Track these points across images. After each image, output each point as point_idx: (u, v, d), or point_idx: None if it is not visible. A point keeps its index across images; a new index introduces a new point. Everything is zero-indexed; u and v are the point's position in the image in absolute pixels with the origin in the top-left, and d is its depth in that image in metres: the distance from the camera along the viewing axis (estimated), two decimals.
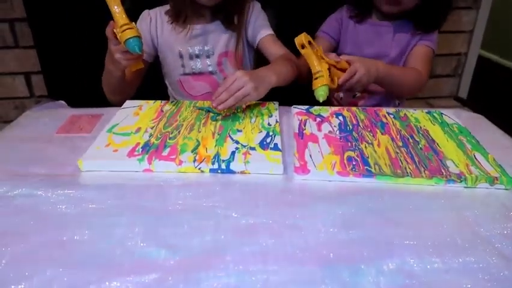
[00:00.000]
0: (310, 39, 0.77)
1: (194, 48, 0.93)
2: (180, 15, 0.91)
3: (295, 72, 0.84)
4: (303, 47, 0.76)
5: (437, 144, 0.65)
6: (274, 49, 0.92)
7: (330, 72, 0.77)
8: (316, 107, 0.78)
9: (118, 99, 0.86)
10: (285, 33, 1.01)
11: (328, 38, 1.00)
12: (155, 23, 0.94)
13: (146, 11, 0.95)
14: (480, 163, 0.60)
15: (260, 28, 0.94)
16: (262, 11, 0.97)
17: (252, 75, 0.72)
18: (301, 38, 0.76)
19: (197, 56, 0.94)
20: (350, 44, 0.99)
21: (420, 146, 0.64)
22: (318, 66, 0.76)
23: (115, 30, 0.70)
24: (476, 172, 0.57)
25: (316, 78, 0.75)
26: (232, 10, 0.92)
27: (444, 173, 0.57)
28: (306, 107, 0.78)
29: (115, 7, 0.70)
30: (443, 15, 0.93)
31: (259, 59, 1.00)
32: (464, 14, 1.72)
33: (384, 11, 0.92)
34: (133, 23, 0.71)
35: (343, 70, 0.79)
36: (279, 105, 0.80)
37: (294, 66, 0.84)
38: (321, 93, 0.75)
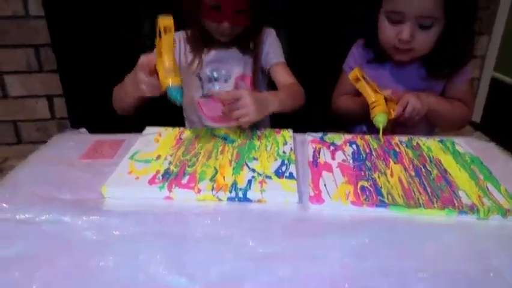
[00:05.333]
0: (364, 74, 0.82)
1: (212, 72, 0.98)
2: (199, 43, 0.97)
3: (298, 102, 0.91)
4: (357, 80, 0.82)
5: (450, 174, 0.66)
6: (283, 77, 0.97)
7: (386, 103, 0.82)
8: (330, 135, 0.80)
9: (124, 112, 0.90)
10: (295, 61, 1.05)
11: None
12: (178, 45, 0.99)
13: None
14: (492, 194, 0.61)
15: (273, 55, 1.00)
16: (276, 39, 1.02)
17: (257, 98, 0.77)
18: (356, 73, 0.82)
19: (215, 80, 0.99)
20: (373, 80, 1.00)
21: (432, 176, 0.66)
22: (374, 97, 0.81)
23: (156, 67, 0.70)
24: (488, 204, 0.58)
25: (373, 108, 0.81)
26: (248, 37, 0.97)
27: (456, 204, 0.58)
28: (320, 134, 0.81)
29: (168, 44, 0.69)
30: (460, 62, 0.90)
31: (270, 83, 1.04)
32: (476, 39, 1.74)
33: (397, 60, 0.92)
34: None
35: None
36: (293, 131, 0.82)
37: (299, 97, 0.91)
38: (379, 119, 0.79)
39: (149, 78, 0.72)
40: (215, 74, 0.98)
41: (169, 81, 0.68)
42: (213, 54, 0.98)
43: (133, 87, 0.77)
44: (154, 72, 0.72)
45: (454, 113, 0.93)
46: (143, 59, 0.72)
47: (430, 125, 1.01)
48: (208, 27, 0.92)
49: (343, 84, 1.04)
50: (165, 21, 0.66)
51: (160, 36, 0.69)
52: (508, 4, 1.71)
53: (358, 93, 0.88)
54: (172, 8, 1.03)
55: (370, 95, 0.82)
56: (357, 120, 1.03)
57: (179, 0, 0.92)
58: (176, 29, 0.98)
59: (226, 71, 0.98)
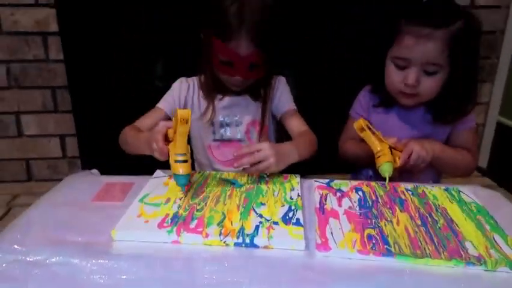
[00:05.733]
0: (368, 123, 0.84)
1: (224, 118, 1.01)
2: (211, 90, 1.00)
3: (313, 150, 0.93)
4: (362, 130, 0.84)
5: (456, 224, 0.67)
6: (296, 125, 1.00)
7: (391, 152, 0.83)
8: (336, 181, 0.82)
9: (130, 153, 0.92)
10: (304, 105, 1.09)
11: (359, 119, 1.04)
12: (192, 90, 1.02)
13: (184, 78, 1.04)
14: (499, 246, 0.61)
15: (284, 102, 1.03)
16: (286, 86, 1.05)
17: (278, 151, 0.80)
18: (360, 123, 0.85)
19: (227, 125, 1.01)
20: (378, 128, 0.98)
21: (439, 225, 0.66)
22: (379, 146, 0.83)
23: (169, 149, 0.73)
24: (495, 255, 0.58)
25: (378, 157, 0.82)
26: (259, 85, 1.00)
27: (463, 255, 0.58)
28: (327, 180, 0.82)
29: (182, 133, 0.70)
30: (464, 109, 0.93)
31: (279, 127, 1.07)
32: (480, 86, 1.78)
33: (403, 104, 0.94)
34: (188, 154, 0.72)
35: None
36: (300, 174, 0.84)
37: (313, 145, 0.93)
38: (386, 169, 0.81)
39: (161, 147, 0.73)
40: (227, 120, 1.01)
41: (178, 169, 0.71)
42: (225, 100, 1.01)
43: (146, 148, 0.79)
44: (168, 138, 0.75)
45: (459, 161, 0.94)
46: (161, 127, 0.75)
47: (437, 172, 1.02)
48: (220, 77, 0.95)
49: (349, 129, 1.06)
50: (183, 114, 0.69)
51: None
52: (509, 54, 1.76)
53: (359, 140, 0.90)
54: (184, 54, 1.09)
55: (375, 144, 0.83)
56: (363, 165, 1.04)
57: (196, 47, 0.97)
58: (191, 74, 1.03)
59: (238, 117, 1.01)
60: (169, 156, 0.74)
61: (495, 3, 1.68)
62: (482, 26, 0.90)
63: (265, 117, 1.02)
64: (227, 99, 1.01)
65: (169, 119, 0.97)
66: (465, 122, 0.96)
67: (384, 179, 0.81)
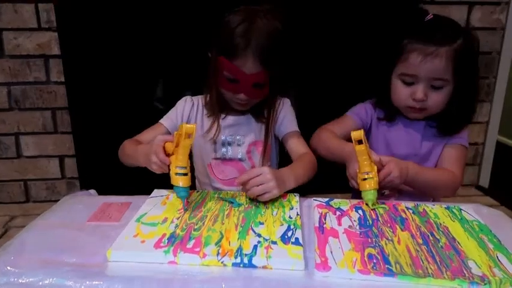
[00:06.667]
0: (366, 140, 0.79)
1: (227, 137, 1.01)
2: (216, 108, 1.00)
3: (312, 173, 0.92)
4: (359, 142, 0.76)
5: (458, 242, 0.65)
6: (296, 146, 0.99)
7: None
8: (336, 200, 0.81)
9: (129, 165, 0.93)
10: (306, 124, 1.08)
11: (356, 119, 1.02)
12: (196, 109, 1.03)
13: (188, 97, 1.05)
14: (503, 265, 0.59)
15: (286, 124, 1.02)
16: (291, 108, 1.05)
17: (276, 176, 0.79)
18: (360, 134, 0.75)
19: (229, 144, 1.01)
20: (380, 143, 1.01)
21: (440, 244, 0.65)
22: (369, 168, 0.77)
23: (171, 160, 0.74)
24: (499, 274, 0.57)
25: (364, 179, 0.77)
26: (262, 105, 1.00)
27: (466, 275, 0.57)
28: (326, 199, 0.81)
29: (185, 146, 0.72)
30: (465, 121, 0.97)
31: (282, 149, 1.06)
32: (478, 106, 1.79)
33: (410, 117, 0.97)
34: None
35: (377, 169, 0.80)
36: (300, 195, 0.83)
37: (312, 168, 0.92)
38: (370, 197, 0.76)
39: (163, 158, 0.75)
40: (229, 139, 1.01)
41: (178, 182, 0.73)
42: (229, 119, 1.01)
43: (144, 160, 0.81)
44: (166, 152, 0.76)
45: (437, 182, 0.92)
46: (159, 140, 0.77)
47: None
48: (225, 95, 0.96)
49: (338, 124, 1.03)
50: (188, 129, 0.70)
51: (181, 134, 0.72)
52: (506, 74, 1.78)
53: (343, 137, 0.92)
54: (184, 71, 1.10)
55: (364, 164, 0.78)
56: (330, 159, 0.97)
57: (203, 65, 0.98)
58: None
59: (241, 137, 1.01)
60: (168, 169, 0.75)
61: (490, 26, 1.71)
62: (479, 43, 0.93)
63: (268, 138, 1.01)
64: (230, 118, 1.01)
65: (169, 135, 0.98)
66: (456, 138, 0.97)
67: (367, 204, 0.77)
